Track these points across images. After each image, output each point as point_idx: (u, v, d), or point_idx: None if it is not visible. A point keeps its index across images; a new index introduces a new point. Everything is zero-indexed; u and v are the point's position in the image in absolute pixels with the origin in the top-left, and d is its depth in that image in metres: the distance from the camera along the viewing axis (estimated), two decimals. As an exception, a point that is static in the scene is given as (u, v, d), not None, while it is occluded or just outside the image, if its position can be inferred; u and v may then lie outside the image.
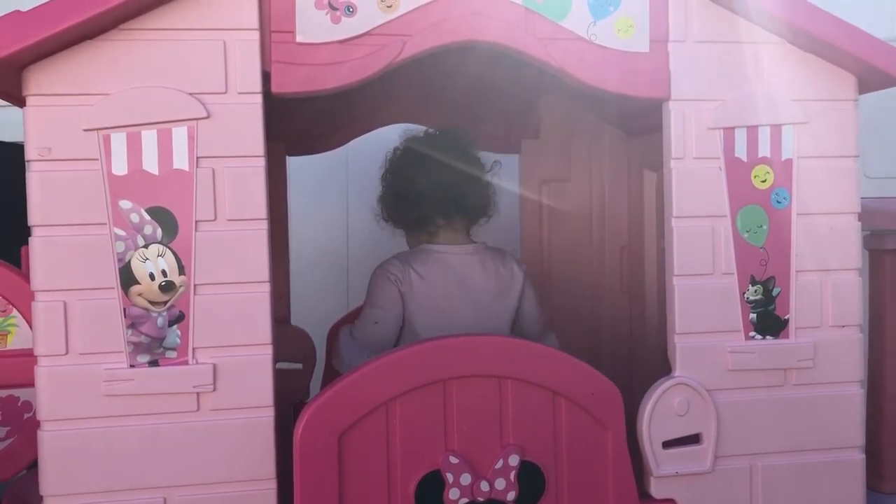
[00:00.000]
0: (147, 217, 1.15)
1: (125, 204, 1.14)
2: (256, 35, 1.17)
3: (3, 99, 1.25)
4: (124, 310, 1.15)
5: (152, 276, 1.15)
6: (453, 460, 1.20)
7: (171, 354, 1.16)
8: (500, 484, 1.21)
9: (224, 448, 1.17)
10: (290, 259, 1.89)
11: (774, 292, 1.33)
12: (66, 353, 1.13)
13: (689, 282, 1.30)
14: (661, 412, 1.28)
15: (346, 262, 2.47)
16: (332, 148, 1.95)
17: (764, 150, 1.32)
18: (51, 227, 1.13)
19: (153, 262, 1.15)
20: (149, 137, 1.15)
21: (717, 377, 1.30)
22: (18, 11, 1.07)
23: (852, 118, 1.35)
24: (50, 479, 1.14)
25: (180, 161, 1.16)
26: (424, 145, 1.58)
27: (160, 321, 1.16)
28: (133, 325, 1.15)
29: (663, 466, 1.28)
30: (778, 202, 1.33)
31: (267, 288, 1.18)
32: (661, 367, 1.35)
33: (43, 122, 1.13)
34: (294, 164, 1.93)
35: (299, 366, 1.83)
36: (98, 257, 1.14)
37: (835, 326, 1.35)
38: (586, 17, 1.26)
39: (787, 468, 1.33)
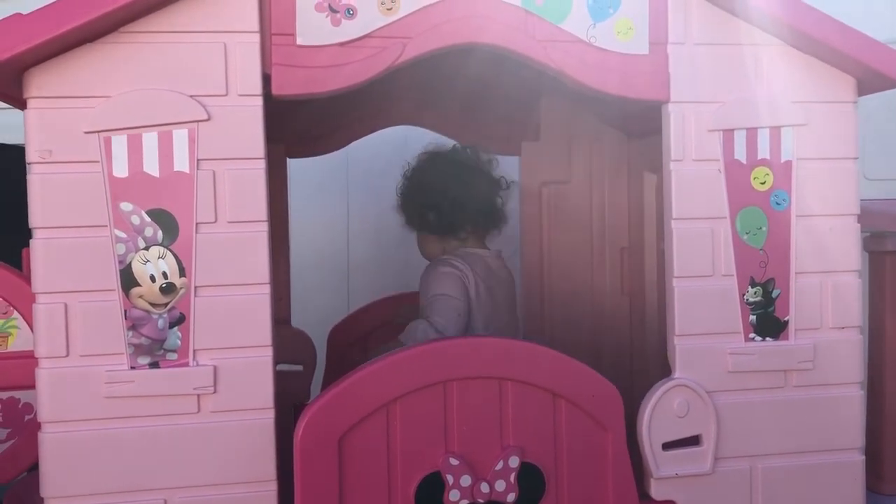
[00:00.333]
0: (148, 219, 1.15)
1: (126, 206, 1.14)
2: (257, 37, 1.17)
3: (4, 101, 1.25)
4: (125, 312, 1.15)
5: (153, 278, 1.15)
6: (453, 462, 1.20)
7: (172, 356, 1.16)
8: (500, 485, 1.21)
9: (224, 450, 1.17)
10: (291, 261, 1.89)
11: (774, 294, 1.33)
12: (67, 354, 1.13)
13: (689, 283, 1.30)
14: (661, 414, 1.28)
15: (347, 264, 2.47)
16: (332, 150, 1.95)
17: (763, 151, 1.32)
18: (52, 230, 1.13)
19: (154, 264, 1.15)
20: (149, 140, 1.15)
21: (716, 379, 1.30)
22: (19, 14, 1.07)
23: (852, 120, 1.35)
24: (51, 481, 1.14)
25: (181, 163, 1.16)
26: (457, 159, 1.73)
27: (161, 323, 1.16)
28: (134, 326, 1.15)
29: (663, 468, 1.28)
30: (777, 204, 1.33)
31: (267, 290, 1.19)
32: (661, 368, 1.35)
33: (44, 124, 1.13)
34: (294, 165, 1.92)
35: (300, 367, 1.83)
36: (99, 259, 1.14)
37: (835, 328, 1.35)
38: (586, 20, 1.27)
39: (787, 470, 1.33)
